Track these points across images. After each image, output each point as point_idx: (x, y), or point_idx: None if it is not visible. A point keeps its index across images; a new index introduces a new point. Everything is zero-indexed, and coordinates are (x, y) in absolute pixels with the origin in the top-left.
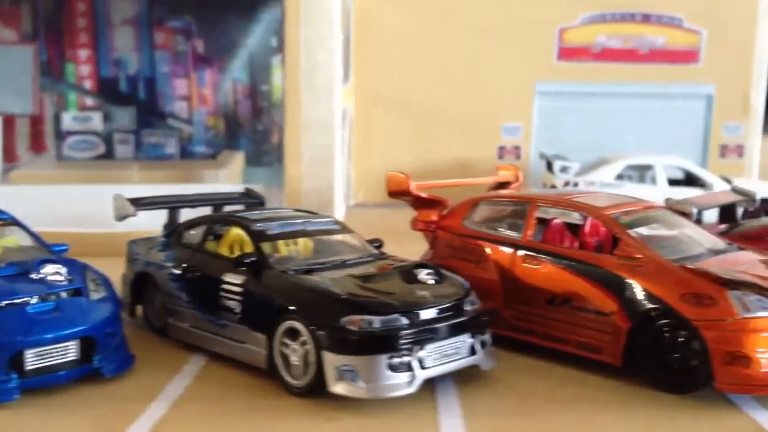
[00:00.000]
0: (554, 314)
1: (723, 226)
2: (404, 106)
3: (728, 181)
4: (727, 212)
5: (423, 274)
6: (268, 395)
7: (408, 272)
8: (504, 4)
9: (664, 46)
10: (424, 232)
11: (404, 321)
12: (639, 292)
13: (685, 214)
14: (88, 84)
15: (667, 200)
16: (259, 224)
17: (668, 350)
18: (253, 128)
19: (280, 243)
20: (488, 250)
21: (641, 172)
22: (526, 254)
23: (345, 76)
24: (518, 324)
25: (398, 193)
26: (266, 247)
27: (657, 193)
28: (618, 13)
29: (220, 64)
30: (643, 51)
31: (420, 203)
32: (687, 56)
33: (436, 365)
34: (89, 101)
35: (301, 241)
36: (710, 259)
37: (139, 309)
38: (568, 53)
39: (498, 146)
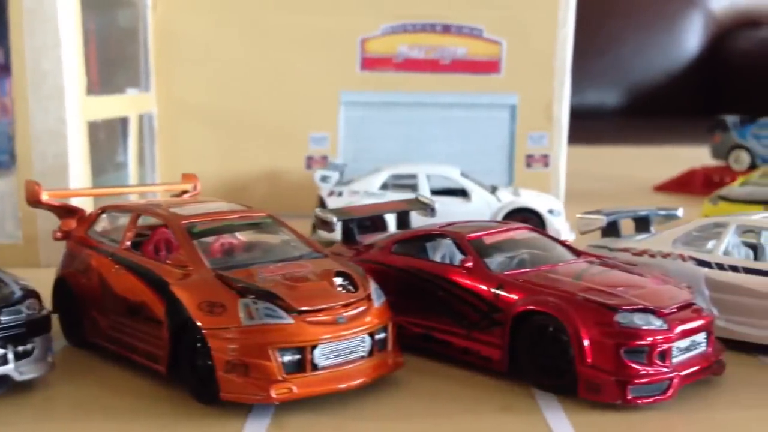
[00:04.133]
0: (133, 323)
1: (372, 237)
2: (212, 116)
3: (495, 190)
4: (402, 220)
5: None
6: None
7: None
8: (306, 14)
9: (466, 56)
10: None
11: None
12: (175, 301)
13: (326, 223)
14: None
15: (316, 209)
16: None
17: (198, 360)
18: None
19: None
20: (93, 260)
21: (406, 182)
22: (116, 264)
23: (146, 84)
24: (112, 334)
25: (34, 202)
26: None
27: None
28: (418, 24)
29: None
30: (445, 61)
31: (62, 212)
32: (489, 66)
33: None
34: None
35: None
36: (274, 265)
37: None
38: (370, 63)
39: (306, 156)
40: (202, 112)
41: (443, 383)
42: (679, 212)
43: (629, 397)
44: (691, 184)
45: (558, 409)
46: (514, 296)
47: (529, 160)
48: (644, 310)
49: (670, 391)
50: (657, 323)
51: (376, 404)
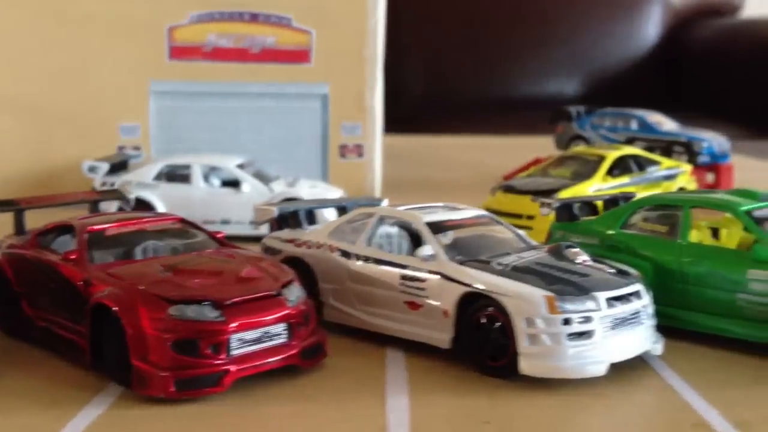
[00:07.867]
0: None
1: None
2: (18, 105)
3: (269, 182)
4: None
5: None
6: None
7: None
8: (112, 1)
9: (275, 45)
10: None
11: None
12: None
13: None
14: None
15: None
16: None
17: None
18: None
19: None
20: None
21: (181, 172)
22: None
23: None
24: None
25: None
26: None
27: (194, 192)
28: (226, 13)
29: None
30: (254, 50)
31: None
32: (298, 56)
33: None
34: None
35: None
36: None
37: None
38: (179, 52)
39: (117, 146)
40: (6, 101)
41: (35, 380)
42: (384, 203)
43: (172, 390)
44: None
45: (105, 404)
46: (96, 288)
47: (343, 150)
48: (203, 302)
49: (224, 383)
50: (212, 315)
51: None
